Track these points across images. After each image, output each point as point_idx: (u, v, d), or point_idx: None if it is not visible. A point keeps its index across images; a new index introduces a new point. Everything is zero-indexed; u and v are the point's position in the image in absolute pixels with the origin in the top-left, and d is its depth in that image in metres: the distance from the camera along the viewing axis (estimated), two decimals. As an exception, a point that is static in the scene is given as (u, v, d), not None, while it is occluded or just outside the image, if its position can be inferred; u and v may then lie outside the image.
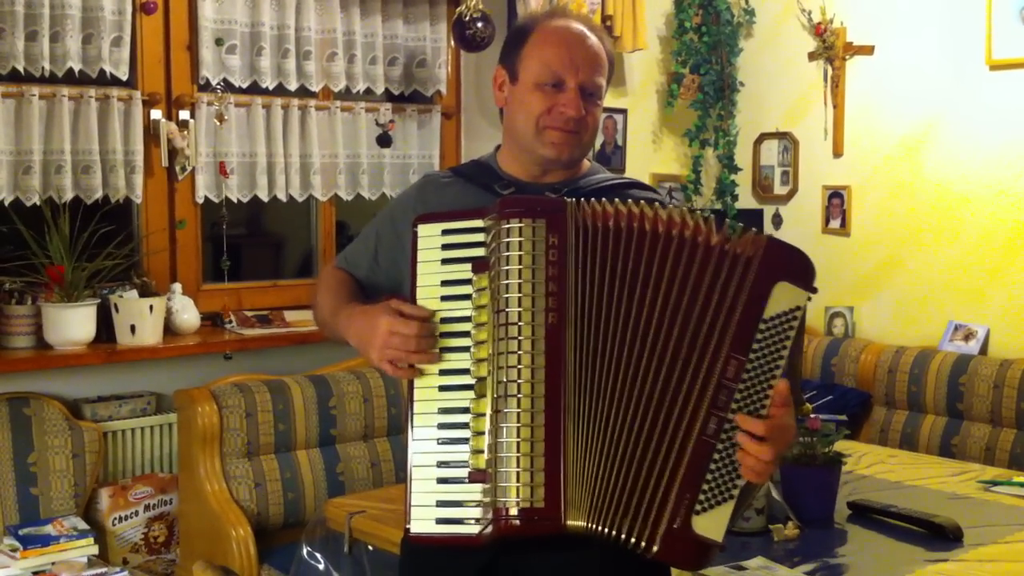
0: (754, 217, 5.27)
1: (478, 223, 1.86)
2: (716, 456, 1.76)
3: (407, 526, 1.87)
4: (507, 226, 1.81)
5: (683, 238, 1.81)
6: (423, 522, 1.84)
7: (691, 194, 5.23)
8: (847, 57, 4.97)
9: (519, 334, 1.79)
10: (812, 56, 5.09)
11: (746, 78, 5.29)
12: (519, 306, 1.79)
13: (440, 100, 4.64)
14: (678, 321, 1.79)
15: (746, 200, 5.36)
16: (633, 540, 1.77)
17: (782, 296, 1.77)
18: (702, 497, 1.76)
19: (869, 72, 4.92)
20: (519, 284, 1.79)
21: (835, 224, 5.07)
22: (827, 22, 5.00)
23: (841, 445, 3.09)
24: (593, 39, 2.04)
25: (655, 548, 1.76)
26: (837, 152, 5.05)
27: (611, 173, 2.19)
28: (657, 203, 1.89)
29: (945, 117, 4.66)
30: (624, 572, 1.95)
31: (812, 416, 3.05)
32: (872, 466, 3.52)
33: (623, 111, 5.06)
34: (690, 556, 1.78)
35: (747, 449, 1.74)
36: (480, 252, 1.85)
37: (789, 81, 5.21)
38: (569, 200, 1.85)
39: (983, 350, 4.49)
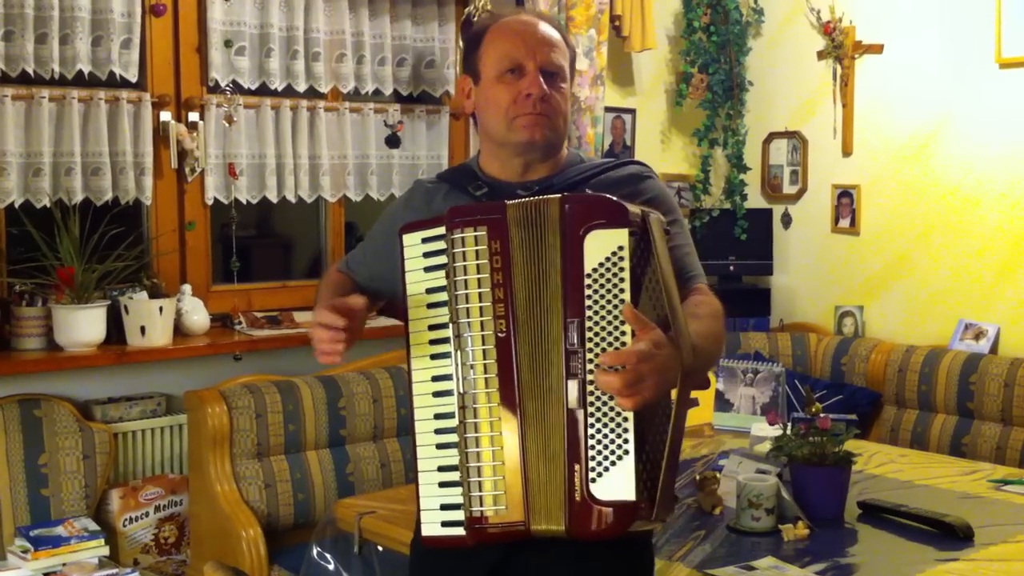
0: (763, 216, 5.27)
1: (443, 230, 1.88)
2: (592, 420, 1.75)
3: (419, 530, 1.91)
4: (453, 236, 1.86)
5: (537, 219, 1.83)
6: (431, 525, 1.90)
7: (700, 194, 5.23)
8: (856, 56, 4.96)
9: (471, 344, 1.84)
10: (821, 55, 5.08)
11: (755, 77, 5.29)
12: (468, 317, 1.84)
13: (449, 101, 4.64)
14: (536, 303, 1.81)
15: (755, 200, 5.35)
16: (556, 528, 1.79)
17: (598, 244, 1.77)
18: (593, 464, 1.75)
19: (878, 71, 4.92)
20: (467, 295, 1.84)
21: (845, 223, 5.06)
22: (836, 21, 5.00)
23: (851, 445, 3.09)
24: (546, 26, 2.07)
25: (567, 529, 1.78)
26: (846, 151, 5.04)
27: (595, 159, 2.19)
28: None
29: (955, 116, 4.65)
30: (626, 562, 1.98)
31: (822, 416, 3.05)
32: (882, 466, 3.52)
33: (632, 111, 5.05)
34: (605, 523, 1.76)
35: (600, 379, 1.72)
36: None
37: (798, 80, 5.20)
38: (510, 203, 1.86)
39: (993, 349, 4.48)
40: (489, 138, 2.10)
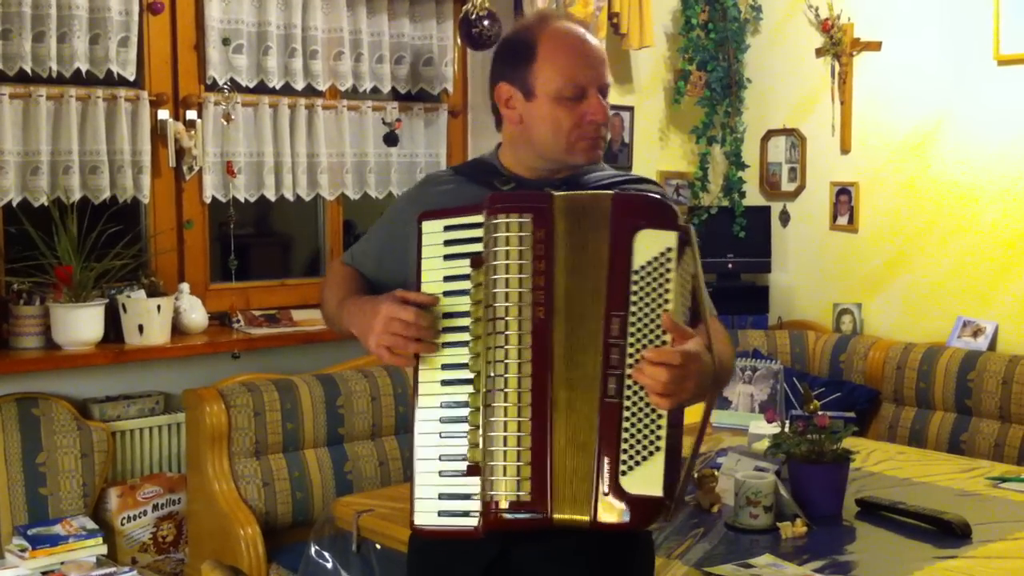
0: (761, 214, 5.26)
1: (477, 218, 1.88)
2: (627, 414, 1.77)
3: (412, 518, 1.89)
4: (495, 222, 1.85)
5: (587, 211, 1.85)
6: (426, 514, 1.88)
7: (698, 191, 5.23)
8: (854, 53, 4.96)
9: (506, 329, 1.82)
10: (819, 52, 5.08)
11: (753, 75, 5.29)
12: (507, 301, 1.83)
13: (447, 98, 4.64)
14: (577, 294, 1.83)
15: (754, 197, 5.35)
16: (581, 518, 1.79)
17: (647, 243, 1.80)
18: (624, 457, 1.77)
19: (876, 68, 4.91)
20: (506, 280, 1.83)
21: (843, 221, 5.06)
22: (834, 18, 4.99)
23: (849, 442, 3.09)
24: (595, 40, 2.07)
25: (591, 520, 1.78)
26: (845, 148, 5.04)
27: (612, 169, 2.20)
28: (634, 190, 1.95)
29: (953, 113, 4.65)
30: (617, 557, 1.98)
31: (820, 413, 3.05)
32: (880, 463, 3.52)
33: (630, 108, 5.05)
34: (630, 517, 1.78)
35: (644, 372, 1.74)
36: (479, 247, 1.87)
37: (796, 77, 5.20)
38: (556, 193, 1.87)
39: (992, 346, 4.48)
40: (533, 150, 2.07)
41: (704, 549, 2.72)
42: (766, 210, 5.30)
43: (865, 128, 4.97)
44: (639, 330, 1.78)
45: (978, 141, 4.57)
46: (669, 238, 1.80)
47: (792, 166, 5.27)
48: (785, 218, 5.30)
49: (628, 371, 1.77)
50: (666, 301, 1.78)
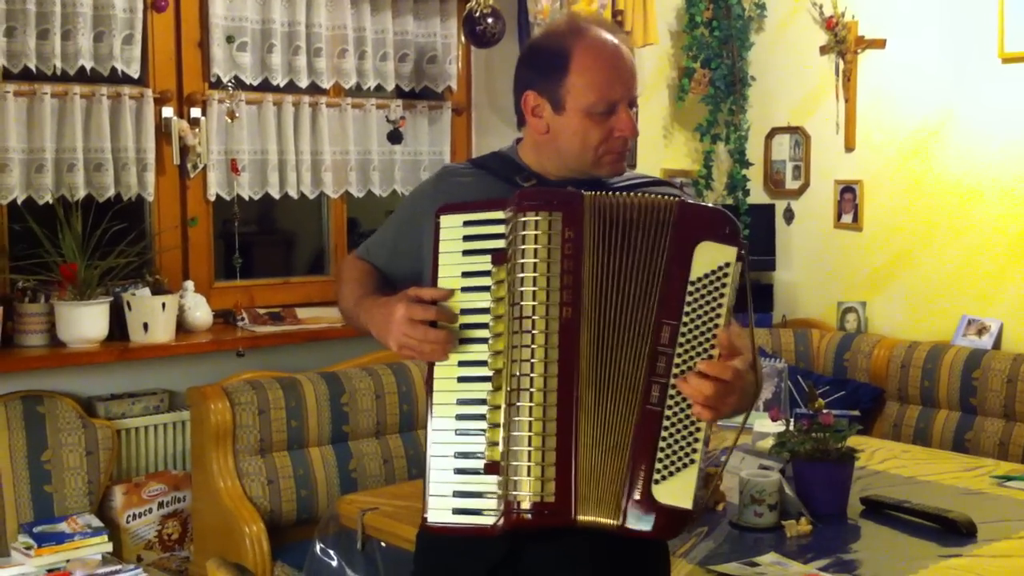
0: (766, 212, 5.26)
1: (499, 215, 1.86)
2: (667, 423, 1.78)
3: (424, 515, 1.88)
4: (523, 219, 1.83)
5: (656, 221, 1.84)
6: (440, 511, 1.87)
7: (702, 189, 5.23)
8: (859, 51, 4.95)
9: (533, 327, 1.80)
10: (823, 50, 5.07)
11: (757, 72, 5.28)
12: (533, 299, 1.81)
13: (451, 96, 4.64)
14: (611, 296, 1.83)
15: (758, 195, 5.35)
16: (607, 522, 1.79)
17: (707, 256, 1.81)
18: (659, 466, 1.77)
19: (881, 66, 4.91)
20: (534, 277, 1.81)
21: (847, 219, 5.06)
22: (838, 16, 4.99)
23: (854, 440, 3.09)
24: (625, 49, 2.03)
25: (619, 524, 1.79)
26: (849, 146, 5.03)
27: (631, 171, 2.19)
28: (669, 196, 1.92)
29: (957, 111, 4.64)
30: (630, 559, 1.98)
31: (825, 412, 3.05)
32: (885, 461, 3.51)
33: (634, 106, 5.04)
34: (658, 526, 1.78)
35: (691, 383, 1.76)
36: (501, 244, 1.86)
37: (800, 75, 5.20)
38: (587, 193, 1.86)
39: (996, 344, 4.47)
40: (559, 158, 2.04)
41: (709, 547, 2.72)
42: (770, 208, 5.30)
43: (869, 126, 4.97)
44: (688, 341, 1.78)
45: (982, 138, 4.57)
46: (729, 253, 1.80)
47: (796, 164, 5.26)
48: (789, 216, 5.30)
49: (672, 380, 1.77)
50: (718, 316, 1.78)
